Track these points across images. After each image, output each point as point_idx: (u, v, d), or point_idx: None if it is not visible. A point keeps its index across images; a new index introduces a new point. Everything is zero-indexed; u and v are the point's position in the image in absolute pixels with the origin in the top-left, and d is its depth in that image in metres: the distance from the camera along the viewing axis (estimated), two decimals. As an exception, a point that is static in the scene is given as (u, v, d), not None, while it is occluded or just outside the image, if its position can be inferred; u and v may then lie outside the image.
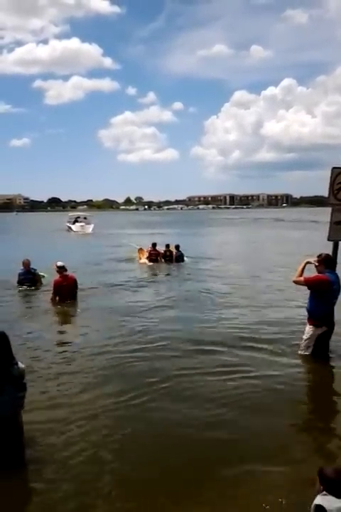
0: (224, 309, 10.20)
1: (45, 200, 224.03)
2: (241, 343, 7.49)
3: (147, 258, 18.47)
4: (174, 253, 18.39)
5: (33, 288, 12.03)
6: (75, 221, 48.96)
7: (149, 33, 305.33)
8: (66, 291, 10.42)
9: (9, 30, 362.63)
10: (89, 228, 44.54)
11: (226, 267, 17.39)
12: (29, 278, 12.12)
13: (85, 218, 50.65)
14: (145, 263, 18.14)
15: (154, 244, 18.78)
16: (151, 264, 17.85)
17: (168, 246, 18.74)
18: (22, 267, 12.19)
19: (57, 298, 10.46)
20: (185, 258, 18.60)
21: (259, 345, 7.35)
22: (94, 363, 6.66)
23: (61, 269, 10.47)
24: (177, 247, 18.73)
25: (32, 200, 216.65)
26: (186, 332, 8.23)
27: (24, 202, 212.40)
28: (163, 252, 18.61)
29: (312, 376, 6.40)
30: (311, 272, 6.76)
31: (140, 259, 19.10)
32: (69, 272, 10.69)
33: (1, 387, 3.98)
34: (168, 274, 15.77)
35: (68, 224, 48.25)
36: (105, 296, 11.82)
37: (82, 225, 45.79)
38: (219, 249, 24.65)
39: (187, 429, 4.73)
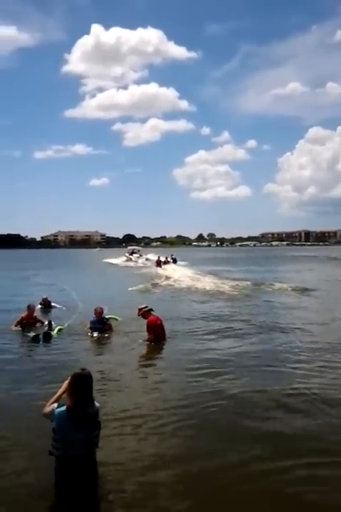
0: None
1: (121, 237, 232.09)
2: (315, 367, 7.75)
3: (155, 265, 39.30)
4: (170, 261, 41.24)
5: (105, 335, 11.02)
6: (132, 253, 57.76)
7: (223, 74, 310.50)
8: (161, 330, 10.26)
9: (92, 77, 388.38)
10: (143, 259, 51.52)
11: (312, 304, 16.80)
12: (99, 328, 11.06)
13: (139, 250, 61.70)
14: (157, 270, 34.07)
15: (159, 257, 41.44)
16: (159, 267, 37.16)
17: (166, 257, 41.50)
18: (94, 316, 11.21)
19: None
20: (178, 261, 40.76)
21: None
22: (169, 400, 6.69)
23: (149, 311, 10.30)
24: (171, 255, 43.28)
25: (108, 237, 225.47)
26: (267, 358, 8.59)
27: (101, 238, 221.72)
28: (163, 260, 40.52)
29: None
30: None
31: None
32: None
33: (79, 424, 3.97)
34: (245, 309, 15.64)
35: (127, 255, 55.82)
36: (188, 326, 12.11)
37: (137, 256, 54.91)
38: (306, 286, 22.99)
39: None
